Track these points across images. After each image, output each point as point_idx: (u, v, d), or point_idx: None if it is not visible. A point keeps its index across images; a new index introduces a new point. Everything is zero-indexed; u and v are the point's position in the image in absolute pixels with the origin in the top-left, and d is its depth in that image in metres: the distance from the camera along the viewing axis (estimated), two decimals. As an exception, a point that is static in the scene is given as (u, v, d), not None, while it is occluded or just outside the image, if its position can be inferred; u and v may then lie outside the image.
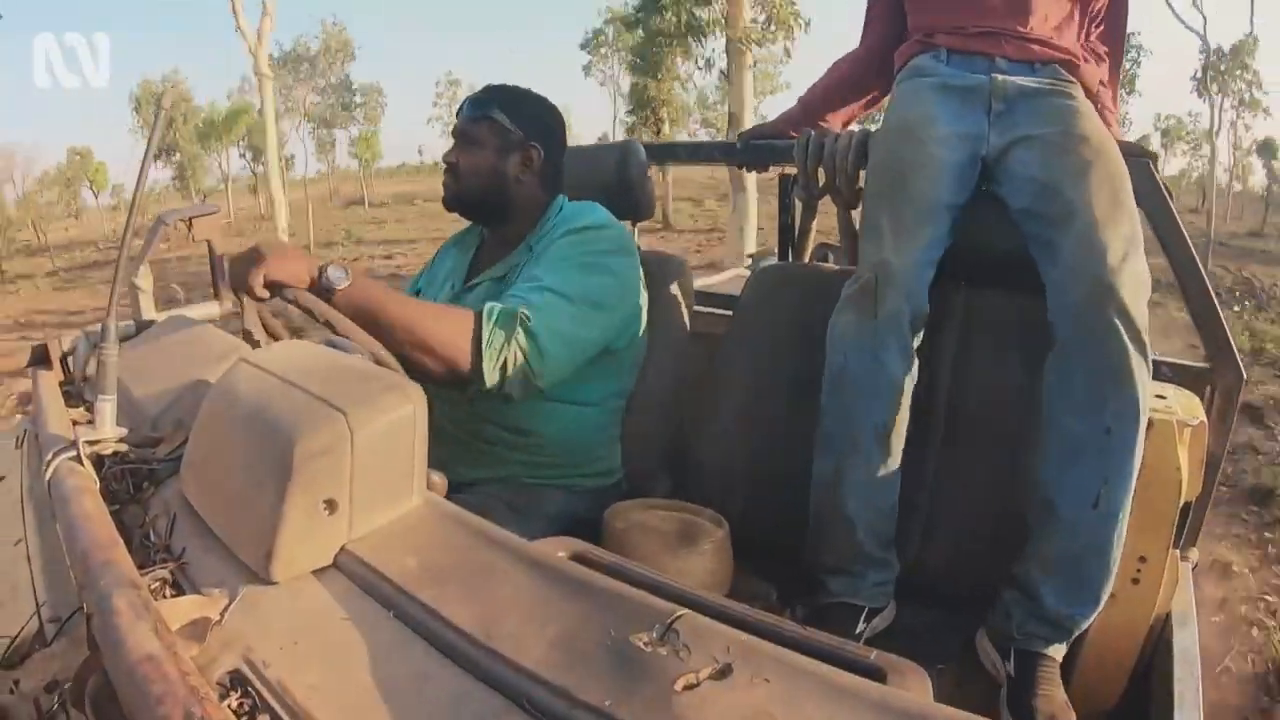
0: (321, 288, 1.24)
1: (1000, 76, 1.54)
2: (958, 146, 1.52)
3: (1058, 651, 1.41)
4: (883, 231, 1.50)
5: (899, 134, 1.59)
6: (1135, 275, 1.35)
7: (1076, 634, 1.41)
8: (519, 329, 1.36)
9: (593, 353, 1.50)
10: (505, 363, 1.35)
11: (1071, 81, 1.56)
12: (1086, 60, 1.62)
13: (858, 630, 1.48)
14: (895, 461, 1.49)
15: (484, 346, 1.33)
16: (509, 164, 1.58)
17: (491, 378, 1.35)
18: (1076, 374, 1.36)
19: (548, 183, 1.64)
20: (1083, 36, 1.66)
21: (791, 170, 1.94)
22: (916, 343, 1.49)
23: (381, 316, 1.27)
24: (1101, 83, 1.67)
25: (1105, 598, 1.37)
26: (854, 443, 1.48)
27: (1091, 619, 1.39)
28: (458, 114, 1.62)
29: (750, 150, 2.00)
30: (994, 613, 1.46)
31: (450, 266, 1.71)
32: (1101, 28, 1.71)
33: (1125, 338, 1.32)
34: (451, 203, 1.61)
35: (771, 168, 2.09)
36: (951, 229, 1.52)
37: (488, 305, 1.35)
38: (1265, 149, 27.29)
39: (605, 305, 1.50)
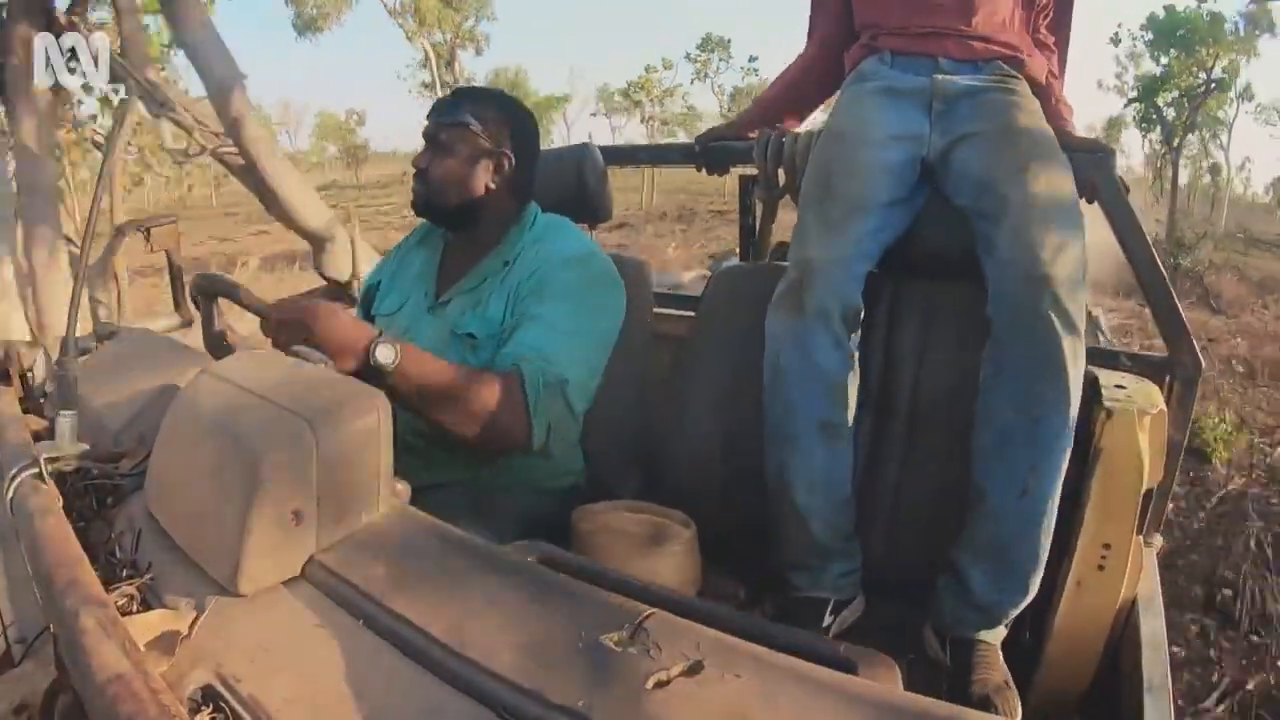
0: (371, 369, 1.20)
1: (941, 77, 1.55)
2: (894, 148, 1.53)
3: (993, 636, 1.42)
4: (809, 230, 1.52)
5: (834, 140, 1.60)
6: (1071, 267, 1.36)
7: (1007, 620, 1.43)
8: (561, 396, 1.39)
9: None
10: (549, 426, 1.38)
11: (1015, 77, 1.57)
12: (1032, 54, 1.63)
13: (825, 624, 1.49)
14: (842, 454, 1.50)
15: (532, 416, 1.35)
16: (479, 171, 1.53)
17: (539, 441, 1.37)
18: (1010, 364, 1.38)
19: (519, 191, 1.59)
20: (1029, 30, 1.67)
21: (751, 171, 1.94)
22: (855, 337, 1.51)
23: (431, 390, 1.28)
24: (1051, 73, 1.68)
25: (1035, 586, 1.40)
26: (795, 438, 1.50)
27: (1022, 606, 1.41)
28: (428, 117, 1.57)
29: (709, 152, 2.00)
30: (932, 602, 1.48)
31: (418, 269, 1.67)
32: (1049, 18, 1.73)
33: (1059, 328, 1.34)
34: (421, 209, 1.57)
35: (731, 169, 2.09)
36: (889, 225, 1.53)
37: (528, 371, 1.36)
38: (1213, 170, 35.10)
39: (611, 344, 1.52)
